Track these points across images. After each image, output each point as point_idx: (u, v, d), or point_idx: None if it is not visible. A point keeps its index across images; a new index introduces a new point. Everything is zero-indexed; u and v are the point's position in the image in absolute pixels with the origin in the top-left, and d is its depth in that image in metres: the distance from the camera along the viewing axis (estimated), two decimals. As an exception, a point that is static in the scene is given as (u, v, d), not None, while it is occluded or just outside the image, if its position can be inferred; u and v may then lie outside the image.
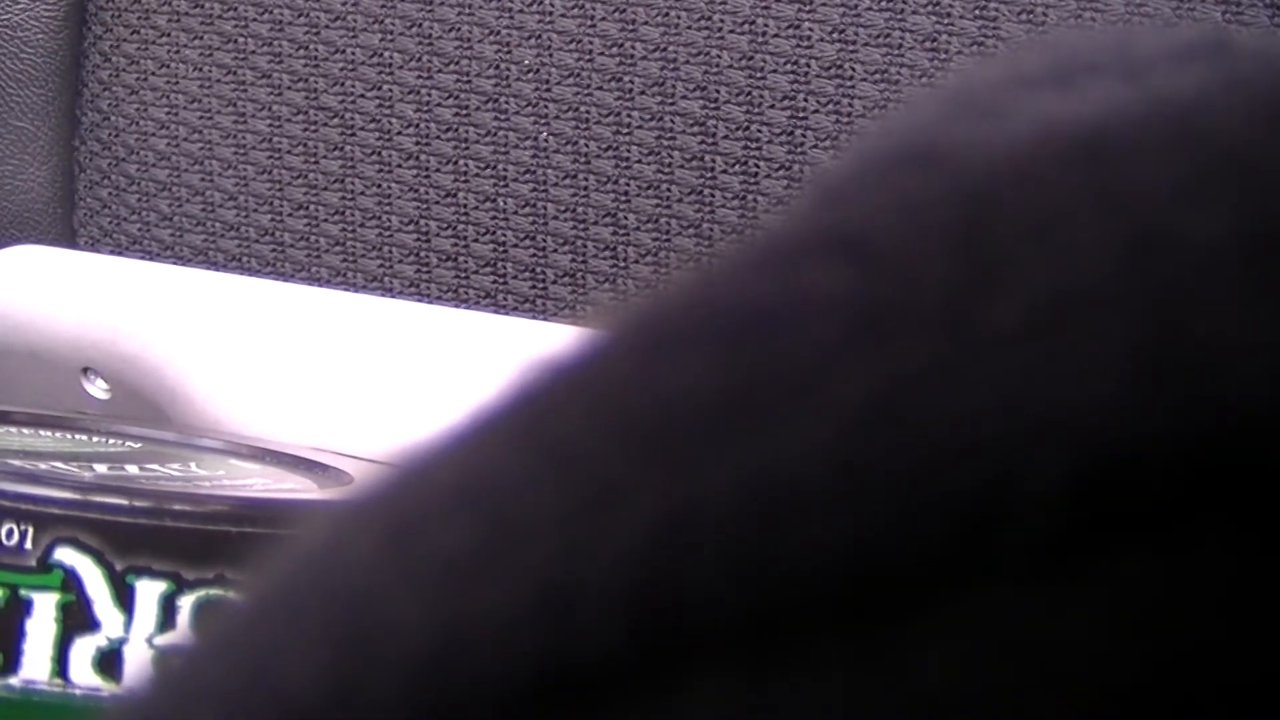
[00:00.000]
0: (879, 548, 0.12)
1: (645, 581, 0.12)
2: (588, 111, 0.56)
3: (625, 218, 0.56)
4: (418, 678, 0.13)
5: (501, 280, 0.58)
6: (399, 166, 0.58)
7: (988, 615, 0.12)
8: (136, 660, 0.33)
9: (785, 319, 0.13)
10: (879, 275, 0.13)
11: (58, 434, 0.42)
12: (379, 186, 0.59)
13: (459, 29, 0.57)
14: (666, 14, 0.55)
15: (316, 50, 0.59)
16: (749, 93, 0.54)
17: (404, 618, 0.13)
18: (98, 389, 0.51)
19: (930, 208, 0.13)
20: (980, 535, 0.12)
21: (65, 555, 0.33)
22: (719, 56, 0.55)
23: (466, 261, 0.58)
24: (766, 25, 0.54)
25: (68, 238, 0.62)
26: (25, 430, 0.42)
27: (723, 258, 0.14)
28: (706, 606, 0.12)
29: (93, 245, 0.62)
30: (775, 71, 0.54)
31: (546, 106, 0.57)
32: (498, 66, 0.57)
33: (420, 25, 0.58)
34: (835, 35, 0.54)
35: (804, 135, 0.54)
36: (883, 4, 0.53)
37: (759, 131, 0.54)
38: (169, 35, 0.61)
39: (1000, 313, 0.12)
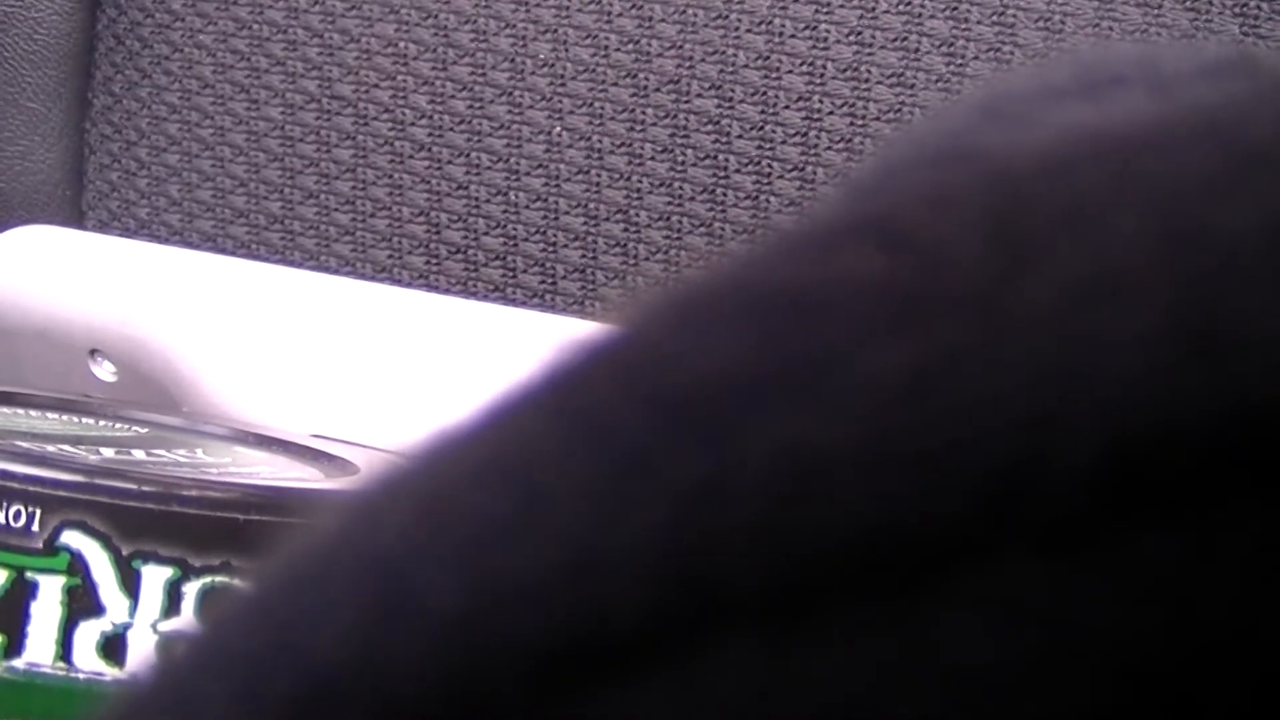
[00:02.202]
0: (906, 519, 0.12)
1: (674, 550, 0.12)
2: (602, 107, 0.56)
3: (637, 214, 0.56)
4: (445, 641, 0.13)
5: (511, 274, 0.58)
6: (411, 157, 0.58)
7: (1012, 588, 0.12)
8: (141, 646, 0.33)
9: (820, 299, 0.13)
10: (913, 259, 0.13)
11: (64, 417, 0.42)
12: (390, 177, 0.59)
13: (475, 21, 0.57)
14: (683, 11, 0.55)
15: (331, 39, 0.59)
16: (764, 93, 0.54)
17: (433, 582, 0.13)
18: (105, 371, 0.51)
19: (963, 197, 0.14)
20: (1007, 510, 0.12)
21: (72, 538, 0.33)
22: (735, 56, 0.55)
23: (476, 254, 0.58)
24: (783, 25, 0.54)
25: (76, 220, 0.62)
26: (32, 412, 0.42)
27: (757, 245, 0.14)
28: (734, 575, 0.12)
29: (101, 229, 0.62)
30: (791, 72, 0.54)
31: (561, 101, 0.56)
32: (513, 60, 0.57)
33: (436, 16, 0.58)
34: (852, 37, 0.54)
35: (818, 137, 0.54)
36: (900, 7, 0.53)
37: (773, 132, 0.54)
38: (183, 20, 0.61)
39: (1032, 295, 0.13)
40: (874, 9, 0.53)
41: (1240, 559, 0.12)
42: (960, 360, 0.12)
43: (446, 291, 0.58)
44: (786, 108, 0.54)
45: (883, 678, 0.12)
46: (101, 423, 0.42)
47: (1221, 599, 0.12)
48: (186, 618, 0.33)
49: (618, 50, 0.56)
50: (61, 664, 0.33)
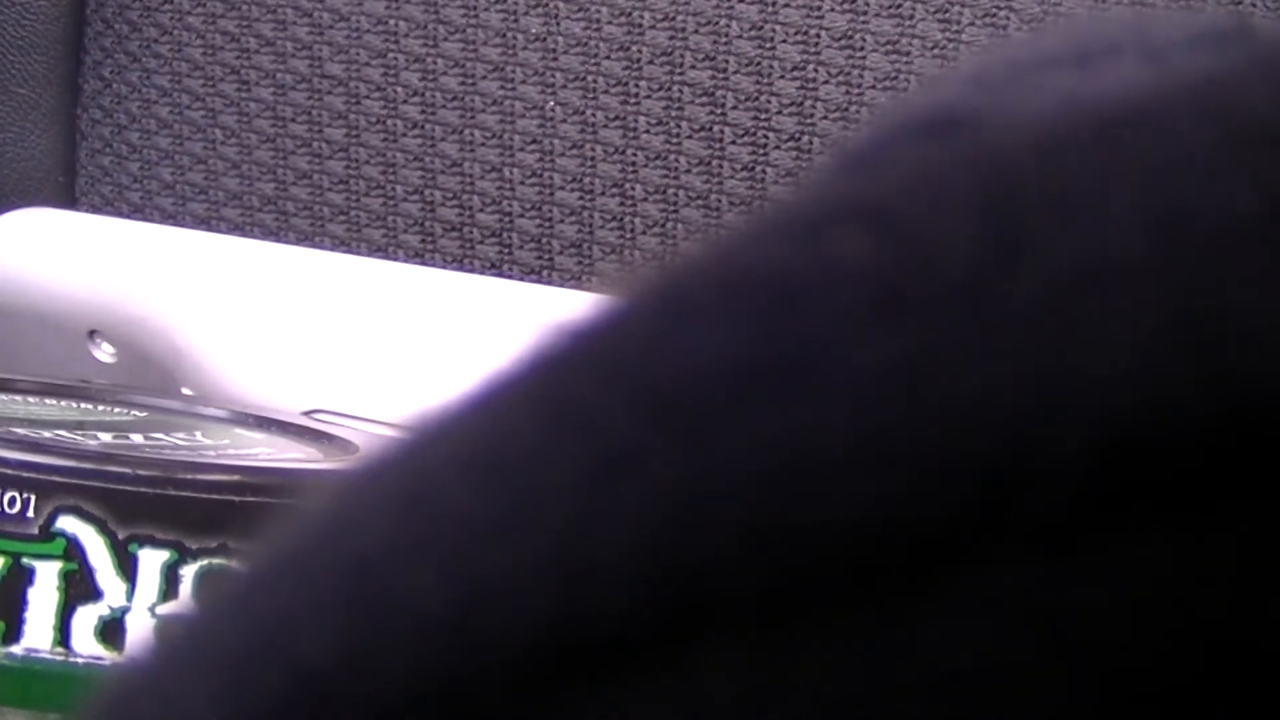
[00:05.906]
0: (896, 517, 0.12)
1: (661, 547, 0.12)
2: (595, 81, 0.56)
3: (632, 188, 0.56)
4: (431, 640, 0.13)
5: (507, 250, 0.57)
6: (404, 135, 0.58)
7: (1005, 586, 0.12)
8: (139, 629, 0.33)
9: (807, 288, 0.13)
10: (901, 245, 0.13)
11: (62, 403, 0.42)
12: (384, 155, 0.59)
13: (466, -3, 0.57)
14: (675, -17, 0.55)
15: (321, 17, 0.59)
16: (758, 63, 0.54)
17: (417, 581, 0.13)
18: (104, 353, 0.51)
19: (952, 178, 0.13)
20: (999, 506, 0.12)
21: (68, 524, 0.33)
22: (728, 26, 0.54)
23: (472, 231, 0.58)
24: (776, -5, 0.54)
25: (69, 206, 0.62)
26: (30, 398, 0.42)
27: (743, 226, 0.14)
28: (722, 573, 0.12)
29: (95, 213, 0.62)
30: (785, 42, 0.54)
31: (554, 75, 0.56)
32: (504, 35, 0.57)
33: (427, -7, 0.58)
34: (846, 6, 0.53)
35: (814, 107, 0.54)
36: (893, -26, 0.53)
37: (768, 102, 0.54)
38: (171, 2, 0.61)
39: (1022, 285, 0.12)
40: (867, -23, 0.53)
41: (1236, 556, 0.12)
42: (951, 353, 0.12)
43: (443, 269, 0.58)
44: (781, 78, 0.54)
45: (874, 678, 0.12)
46: (100, 407, 0.42)
47: (1217, 597, 0.12)
48: (184, 600, 0.33)
49: (610, 23, 0.56)
50: (60, 649, 0.33)
